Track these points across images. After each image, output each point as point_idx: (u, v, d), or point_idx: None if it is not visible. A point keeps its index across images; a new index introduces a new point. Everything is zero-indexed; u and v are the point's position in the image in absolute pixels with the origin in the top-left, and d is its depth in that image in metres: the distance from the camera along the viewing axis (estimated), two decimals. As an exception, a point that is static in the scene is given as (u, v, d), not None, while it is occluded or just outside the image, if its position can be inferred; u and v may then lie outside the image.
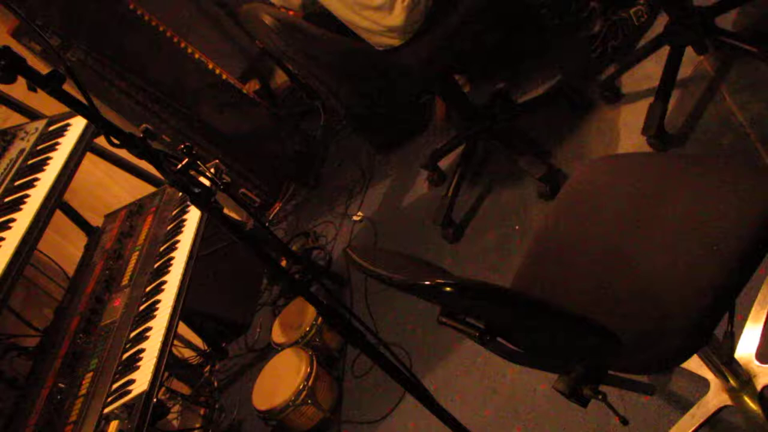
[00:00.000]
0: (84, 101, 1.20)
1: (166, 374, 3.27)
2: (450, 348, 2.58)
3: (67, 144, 2.53)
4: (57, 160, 2.46)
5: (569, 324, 1.22)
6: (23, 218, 2.24)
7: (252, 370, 3.32)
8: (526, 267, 1.63)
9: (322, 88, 2.83)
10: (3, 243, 2.15)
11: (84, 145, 2.54)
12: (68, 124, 2.63)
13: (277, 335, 3.00)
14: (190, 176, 1.31)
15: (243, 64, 5.03)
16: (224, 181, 1.44)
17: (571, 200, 1.66)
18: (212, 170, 2.70)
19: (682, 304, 1.28)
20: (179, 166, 1.28)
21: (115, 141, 1.21)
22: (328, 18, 2.77)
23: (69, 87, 1.23)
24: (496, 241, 2.79)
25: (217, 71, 4.13)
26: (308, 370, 2.69)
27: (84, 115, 1.21)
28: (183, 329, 3.40)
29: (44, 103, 2.71)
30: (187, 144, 1.30)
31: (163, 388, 3.19)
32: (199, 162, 1.32)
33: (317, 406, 2.70)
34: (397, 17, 2.56)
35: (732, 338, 1.46)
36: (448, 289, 1.08)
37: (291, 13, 3.18)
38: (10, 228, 2.21)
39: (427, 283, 1.09)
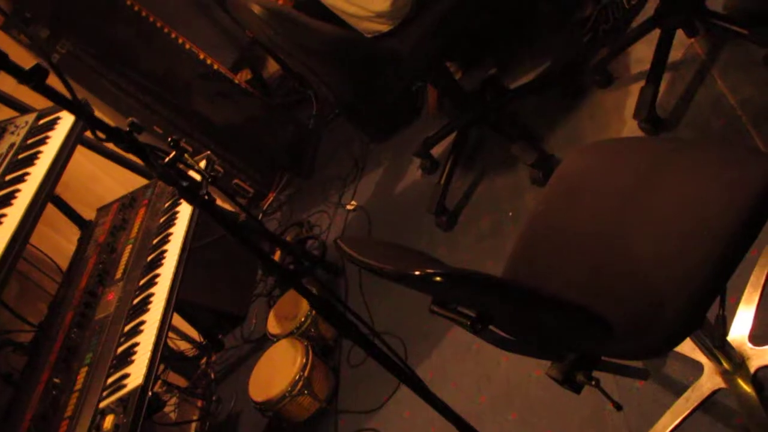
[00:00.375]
0: (68, 95, 1.18)
1: (162, 367, 3.27)
2: (444, 336, 2.58)
3: (57, 137, 2.51)
4: (47, 153, 2.45)
5: (560, 313, 1.22)
6: (14, 213, 2.23)
7: (249, 361, 3.32)
8: (518, 254, 1.63)
9: (313, 78, 2.82)
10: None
11: (74, 138, 2.52)
12: (58, 117, 2.62)
13: (273, 326, 2.99)
14: (178, 169, 1.30)
15: (234, 53, 5.02)
16: (214, 173, 1.43)
17: (562, 186, 1.65)
18: (203, 162, 2.71)
19: (673, 289, 1.28)
20: (166, 159, 1.27)
21: (101, 135, 1.20)
22: (318, 6, 2.76)
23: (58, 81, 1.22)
24: (489, 228, 2.78)
25: (209, 61, 4.11)
26: (304, 360, 2.68)
27: (68, 110, 1.20)
28: (179, 321, 3.39)
29: (34, 96, 2.69)
30: (175, 137, 1.29)
31: (160, 381, 3.19)
32: (186, 155, 1.31)
33: (313, 396, 2.70)
34: (384, 2, 2.55)
35: (723, 322, 1.46)
36: (438, 279, 1.07)
37: (280, 1, 3.17)
38: (1, 224, 2.20)
39: (417, 273, 1.08)
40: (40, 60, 1.28)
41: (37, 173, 2.38)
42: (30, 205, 2.26)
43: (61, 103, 1.18)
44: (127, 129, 1.23)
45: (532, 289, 1.25)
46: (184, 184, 1.29)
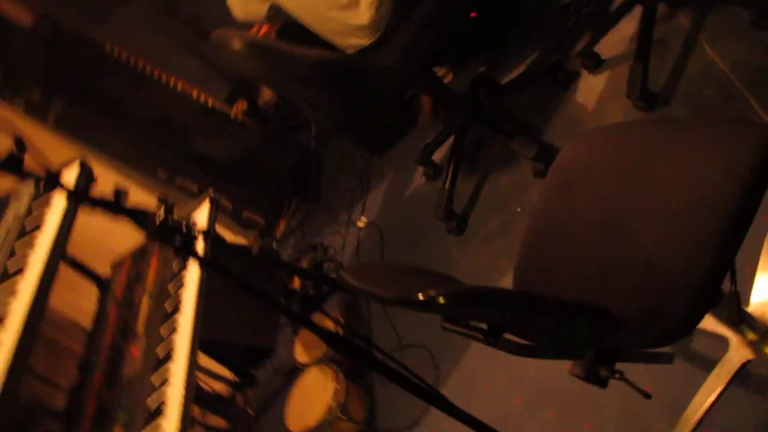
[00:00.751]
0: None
1: (199, 411, 3.28)
2: (471, 342, 2.56)
3: (59, 200, 2.53)
4: (53, 217, 2.47)
5: (571, 315, 1.21)
6: (29, 280, 2.25)
7: (283, 393, 3.31)
8: (524, 256, 1.62)
9: (304, 104, 2.83)
10: (11, 310, 2.16)
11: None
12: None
13: (300, 354, 2.99)
14: (170, 228, 1.30)
15: (228, 85, 5.03)
16: (209, 229, 1.43)
17: (559, 181, 1.64)
18: (206, 203, 2.71)
19: (681, 270, 1.27)
20: (157, 220, 1.27)
21: (88, 206, 1.21)
22: (300, 27, 2.74)
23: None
24: (500, 227, 2.77)
25: (203, 99, 4.12)
26: (336, 385, 2.68)
27: (50, 186, 1.20)
28: (209, 362, 3.39)
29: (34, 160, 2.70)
30: (162, 197, 1.29)
31: (202, 428, 3.20)
32: (174, 212, 1.30)
33: (351, 419, 2.69)
34: (363, 15, 2.53)
35: (737, 297, 1.45)
36: (441, 300, 1.07)
37: (263, 29, 3.15)
38: (16, 293, 2.22)
39: (420, 297, 1.08)
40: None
41: (45, 238, 2.40)
42: (44, 270, 2.28)
43: (43, 181, 1.19)
44: (113, 197, 1.23)
45: (539, 296, 1.24)
46: (178, 243, 1.29)
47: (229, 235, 3.99)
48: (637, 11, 2.54)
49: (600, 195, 1.52)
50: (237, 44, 2.44)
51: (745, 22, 2.29)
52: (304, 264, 3.53)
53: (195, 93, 4.10)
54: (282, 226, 4.20)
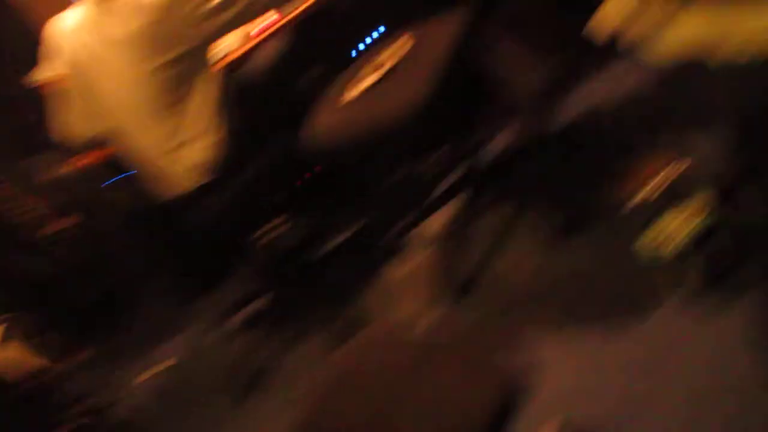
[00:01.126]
0: None
1: None
2: None
3: None
4: None
5: None
6: None
7: None
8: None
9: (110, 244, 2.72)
10: None
11: None
12: None
13: None
14: None
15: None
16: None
17: (328, 387, 1.63)
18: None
19: None
20: None
21: None
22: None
23: None
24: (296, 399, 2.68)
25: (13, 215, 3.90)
26: None
27: None
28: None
29: None
30: None
31: None
32: None
33: None
34: (190, 159, 2.48)
35: None
36: None
37: (95, 155, 2.97)
38: None
39: None
40: None
41: None
42: None
43: None
44: None
45: None
46: None
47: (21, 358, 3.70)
48: (454, 203, 2.61)
49: (359, 418, 1.51)
50: (42, 179, 2.35)
51: (551, 230, 2.38)
52: (86, 410, 3.29)
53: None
54: (74, 361, 3.93)
